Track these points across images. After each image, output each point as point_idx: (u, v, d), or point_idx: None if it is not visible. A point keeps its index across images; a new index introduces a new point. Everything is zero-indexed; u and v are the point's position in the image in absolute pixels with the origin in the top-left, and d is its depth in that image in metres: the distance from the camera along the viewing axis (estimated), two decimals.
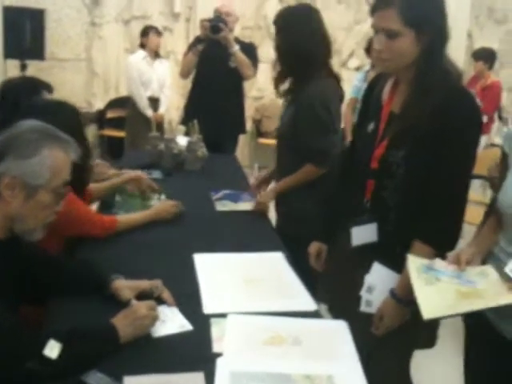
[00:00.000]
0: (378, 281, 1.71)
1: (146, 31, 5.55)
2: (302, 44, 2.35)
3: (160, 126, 5.33)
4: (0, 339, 1.24)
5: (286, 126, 2.49)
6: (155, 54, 5.59)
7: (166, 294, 1.67)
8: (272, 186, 2.53)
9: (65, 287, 1.67)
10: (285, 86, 2.52)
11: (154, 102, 5.57)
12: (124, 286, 1.66)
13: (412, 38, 1.58)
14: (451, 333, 2.42)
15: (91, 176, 2.44)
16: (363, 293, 1.74)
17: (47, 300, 1.65)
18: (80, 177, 2.32)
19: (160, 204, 2.46)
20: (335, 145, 2.41)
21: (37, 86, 2.51)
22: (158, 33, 5.58)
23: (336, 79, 2.48)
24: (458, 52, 6.24)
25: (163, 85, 5.64)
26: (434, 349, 1.85)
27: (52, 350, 1.25)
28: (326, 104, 2.36)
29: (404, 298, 1.62)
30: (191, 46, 4.20)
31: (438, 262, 1.49)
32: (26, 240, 1.51)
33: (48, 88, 2.54)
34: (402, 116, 1.67)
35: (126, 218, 2.28)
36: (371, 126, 1.78)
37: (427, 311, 1.33)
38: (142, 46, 5.56)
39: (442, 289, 1.40)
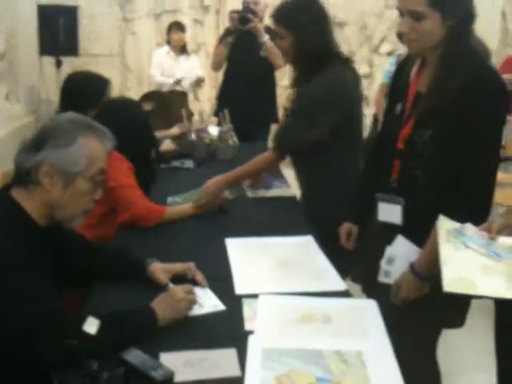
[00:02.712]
0: (398, 253, 1.73)
1: (169, 28, 5.70)
2: (309, 43, 2.23)
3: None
4: (44, 317, 1.29)
5: None
6: (180, 50, 5.69)
7: (199, 276, 1.72)
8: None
9: (104, 272, 1.74)
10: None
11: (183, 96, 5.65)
12: (160, 268, 1.72)
13: (438, 19, 1.58)
14: (481, 309, 2.39)
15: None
16: (382, 263, 1.76)
17: (86, 285, 1.72)
18: (150, 165, 2.46)
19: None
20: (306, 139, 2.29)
21: (101, 80, 2.67)
22: (181, 29, 5.67)
23: (349, 64, 2.35)
24: (492, 32, 6.12)
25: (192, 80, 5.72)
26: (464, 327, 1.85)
27: (91, 326, 1.30)
28: (319, 101, 2.31)
29: (422, 273, 1.63)
30: (221, 39, 4.23)
31: (469, 228, 1.46)
32: (65, 227, 1.57)
33: (107, 82, 2.68)
34: (428, 95, 1.68)
35: (173, 209, 2.31)
36: (399, 107, 1.79)
37: (449, 283, 1.31)
38: (168, 42, 5.71)
39: (468, 259, 1.38)
